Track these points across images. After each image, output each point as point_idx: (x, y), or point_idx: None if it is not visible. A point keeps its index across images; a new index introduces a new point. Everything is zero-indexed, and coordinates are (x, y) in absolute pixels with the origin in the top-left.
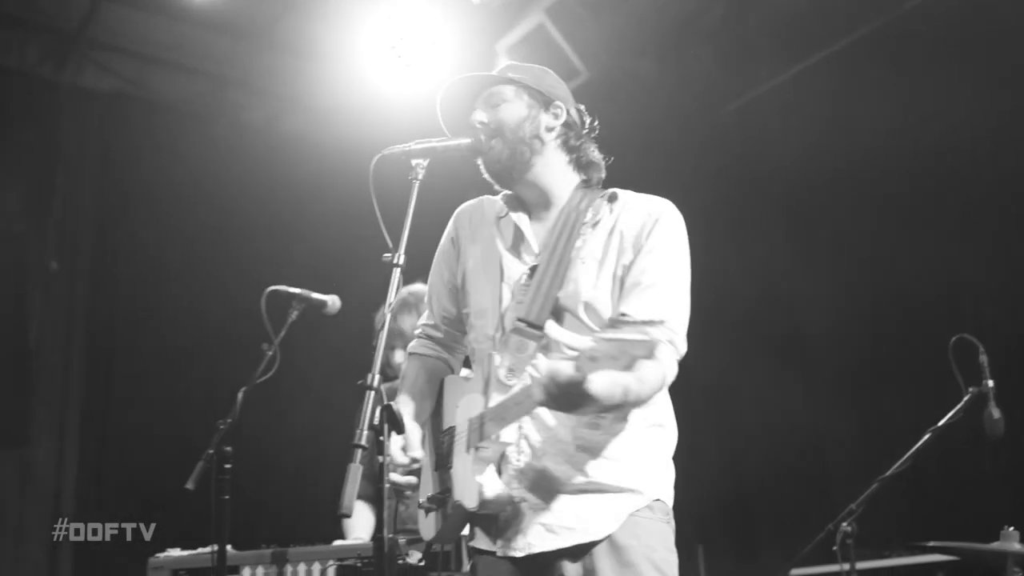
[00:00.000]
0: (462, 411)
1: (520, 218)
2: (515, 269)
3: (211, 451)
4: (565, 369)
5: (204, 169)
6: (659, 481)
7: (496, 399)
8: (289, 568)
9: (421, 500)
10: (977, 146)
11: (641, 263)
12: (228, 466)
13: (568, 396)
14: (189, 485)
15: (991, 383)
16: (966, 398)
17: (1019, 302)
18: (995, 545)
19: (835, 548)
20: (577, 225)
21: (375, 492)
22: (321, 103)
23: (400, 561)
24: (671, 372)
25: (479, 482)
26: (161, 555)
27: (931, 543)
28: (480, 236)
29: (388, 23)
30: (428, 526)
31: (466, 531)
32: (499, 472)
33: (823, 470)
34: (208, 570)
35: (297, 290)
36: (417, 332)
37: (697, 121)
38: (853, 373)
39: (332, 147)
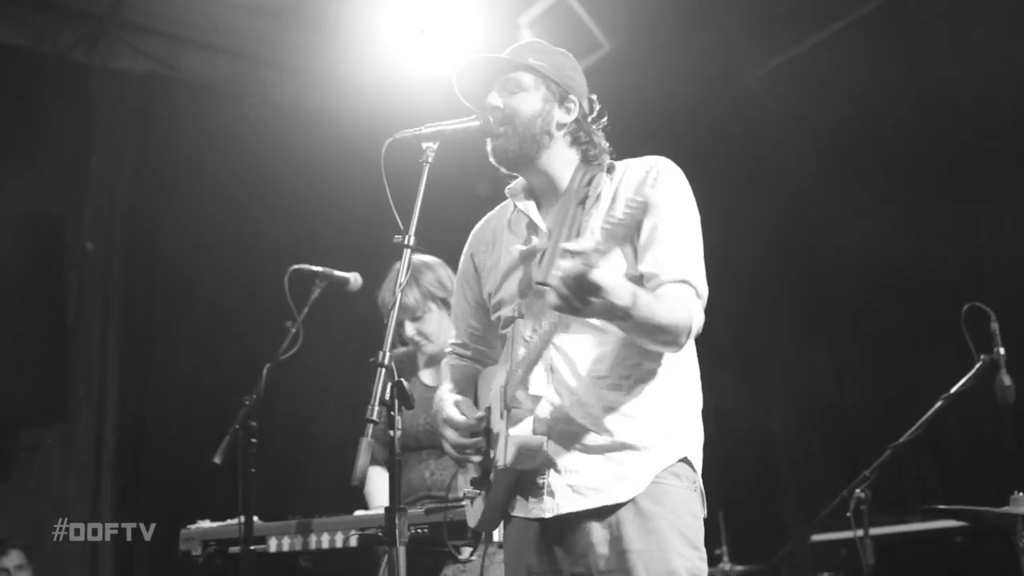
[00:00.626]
0: (493, 387)
1: (528, 206)
2: (531, 255)
3: (237, 426)
4: (572, 263)
5: (236, 147)
6: (684, 439)
7: (521, 355)
8: (313, 537)
9: (465, 490)
10: (997, 113)
11: (650, 220)
12: (254, 440)
13: (579, 291)
14: (216, 459)
15: (1003, 351)
16: (978, 366)
17: None
18: (1005, 509)
19: (848, 514)
20: (581, 199)
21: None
22: (349, 79)
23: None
24: (698, 318)
25: (510, 435)
26: (192, 526)
27: (942, 506)
28: (496, 245)
29: None
30: (474, 513)
31: None
32: (534, 430)
33: (849, 436)
34: (236, 540)
35: (319, 268)
36: (448, 350)
37: (720, 89)
38: (878, 339)
39: (360, 122)
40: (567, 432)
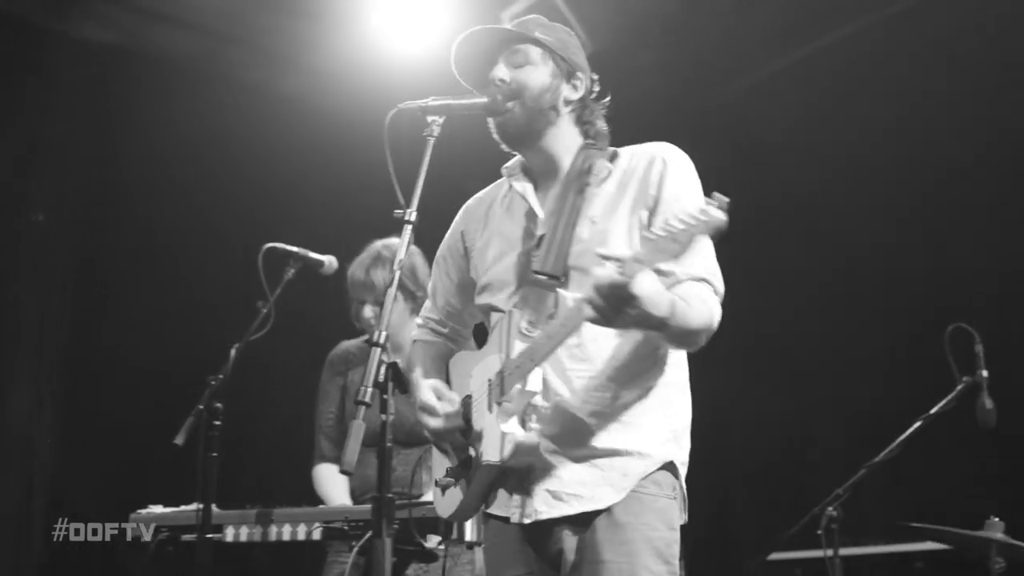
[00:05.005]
0: (478, 376)
1: (525, 188)
2: (526, 240)
3: (201, 407)
4: (608, 273)
5: (201, 126)
6: (671, 445)
7: (519, 349)
8: (274, 528)
9: (436, 478)
10: (974, 135)
11: (663, 214)
12: (217, 423)
13: (614, 302)
14: (178, 440)
15: (985, 373)
16: (959, 387)
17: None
18: (980, 533)
19: (819, 532)
20: (582, 186)
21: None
22: (321, 63)
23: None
24: (716, 313)
25: (505, 431)
26: (143, 510)
27: (915, 524)
28: (489, 224)
29: None
30: (446, 504)
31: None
32: (523, 425)
33: (805, 458)
34: (191, 527)
35: (294, 248)
36: (419, 323)
37: (699, 101)
38: (843, 358)
39: (331, 108)
40: (555, 435)
